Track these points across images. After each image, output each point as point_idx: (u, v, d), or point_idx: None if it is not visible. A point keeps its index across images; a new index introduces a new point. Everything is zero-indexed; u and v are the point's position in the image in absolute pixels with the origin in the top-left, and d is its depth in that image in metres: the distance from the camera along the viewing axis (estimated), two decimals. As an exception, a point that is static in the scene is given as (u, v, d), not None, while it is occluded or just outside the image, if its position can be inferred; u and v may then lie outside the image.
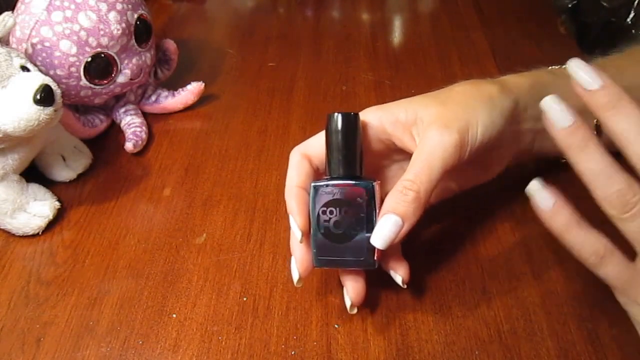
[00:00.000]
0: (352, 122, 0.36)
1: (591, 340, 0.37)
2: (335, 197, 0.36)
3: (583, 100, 0.31)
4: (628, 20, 0.66)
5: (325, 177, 0.37)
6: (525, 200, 0.46)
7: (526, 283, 0.41)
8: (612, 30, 0.68)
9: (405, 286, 0.39)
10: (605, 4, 0.68)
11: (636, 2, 0.66)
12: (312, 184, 0.36)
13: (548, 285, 0.40)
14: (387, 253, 0.39)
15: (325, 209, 0.36)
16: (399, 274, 0.38)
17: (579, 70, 0.32)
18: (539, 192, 0.33)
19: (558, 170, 0.48)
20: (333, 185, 0.36)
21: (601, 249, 0.30)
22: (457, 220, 0.46)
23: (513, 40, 0.67)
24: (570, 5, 0.72)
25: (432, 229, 0.45)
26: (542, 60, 0.47)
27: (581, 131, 0.31)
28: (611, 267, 0.30)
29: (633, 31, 0.66)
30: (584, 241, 0.31)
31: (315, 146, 0.39)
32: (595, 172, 0.30)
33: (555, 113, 0.32)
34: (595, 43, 0.69)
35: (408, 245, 0.43)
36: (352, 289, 0.38)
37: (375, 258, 0.36)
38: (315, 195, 0.36)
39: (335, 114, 0.36)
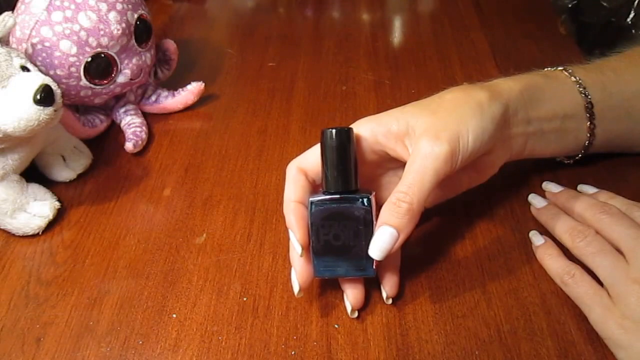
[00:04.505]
0: (345, 137, 0.37)
1: (591, 340, 0.37)
2: (333, 212, 0.37)
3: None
4: (628, 20, 0.66)
5: (323, 191, 0.38)
6: (525, 200, 0.46)
7: (526, 283, 0.41)
8: (612, 30, 0.68)
9: (389, 301, 0.40)
10: (605, 4, 0.68)
11: (636, 2, 0.66)
12: (310, 200, 0.37)
13: (548, 285, 0.40)
14: (383, 263, 0.39)
15: (324, 223, 0.37)
16: (385, 289, 0.40)
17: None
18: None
19: (557, 169, 0.49)
20: (330, 200, 0.37)
21: (587, 230, 0.39)
22: (457, 219, 0.46)
23: (513, 40, 0.67)
24: (570, 5, 0.72)
25: (432, 228, 0.45)
26: (542, 60, 0.47)
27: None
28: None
29: (633, 31, 0.66)
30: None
31: (310, 160, 0.39)
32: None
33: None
34: (595, 43, 0.70)
35: (408, 246, 0.43)
36: (352, 295, 0.39)
37: (374, 267, 0.38)
38: (313, 210, 0.37)
39: (329, 130, 0.37)
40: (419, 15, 0.76)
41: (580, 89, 0.43)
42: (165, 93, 0.59)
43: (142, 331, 0.40)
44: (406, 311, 0.40)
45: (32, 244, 0.47)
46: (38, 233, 0.47)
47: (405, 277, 0.41)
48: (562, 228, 0.41)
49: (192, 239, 0.46)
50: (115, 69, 0.52)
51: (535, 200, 0.45)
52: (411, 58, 0.66)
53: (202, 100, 0.60)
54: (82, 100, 0.53)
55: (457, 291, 0.40)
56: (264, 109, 0.59)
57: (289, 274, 0.39)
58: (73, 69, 0.49)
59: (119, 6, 0.50)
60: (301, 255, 0.37)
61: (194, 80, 0.59)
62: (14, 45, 0.49)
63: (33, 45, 0.48)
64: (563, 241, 0.40)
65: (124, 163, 0.54)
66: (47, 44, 0.48)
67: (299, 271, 0.38)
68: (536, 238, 0.42)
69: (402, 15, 0.76)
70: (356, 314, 0.39)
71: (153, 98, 0.59)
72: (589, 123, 0.43)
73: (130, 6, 0.52)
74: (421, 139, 0.37)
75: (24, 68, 0.44)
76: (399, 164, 0.40)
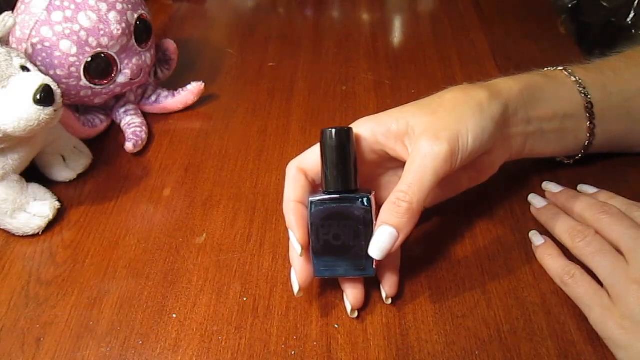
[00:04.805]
0: (345, 137, 0.37)
1: (591, 340, 0.37)
2: (333, 211, 0.37)
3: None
4: (628, 20, 0.66)
5: (322, 191, 0.38)
6: (525, 200, 0.46)
7: (526, 283, 0.41)
8: (612, 30, 0.68)
9: (389, 301, 0.40)
10: (605, 4, 0.68)
11: (636, 2, 0.66)
12: (310, 199, 0.37)
13: (548, 285, 0.40)
14: (383, 263, 0.39)
15: (324, 222, 0.37)
16: (384, 289, 0.40)
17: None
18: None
19: (557, 169, 0.49)
20: (330, 199, 0.37)
21: (587, 230, 0.39)
22: (457, 219, 0.46)
23: (513, 40, 0.67)
24: (570, 5, 0.72)
25: (432, 228, 0.45)
26: (542, 60, 0.47)
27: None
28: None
29: (633, 31, 0.66)
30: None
31: (310, 160, 0.39)
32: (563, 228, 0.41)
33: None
34: (595, 43, 0.70)
35: (408, 245, 0.43)
36: (352, 294, 0.39)
37: (374, 266, 0.38)
38: (313, 210, 0.37)
39: (329, 129, 0.37)
40: (419, 15, 0.76)
41: (580, 89, 0.43)
42: (165, 93, 0.59)
43: (142, 331, 0.40)
44: (406, 311, 0.40)
45: (32, 244, 0.47)
46: (38, 233, 0.47)
47: (405, 277, 0.41)
48: (562, 228, 0.41)
49: (192, 239, 0.46)
50: (115, 69, 0.52)
51: (535, 200, 0.45)
52: (411, 58, 0.66)
53: (202, 100, 0.60)
54: (82, 100, 0.53)
55: (457, 291, 0.40)
56: (264, 109, 0.59)
57: (289, 274, 0.39)
58: (73, 69, 0.49)
59: (119, 6, 0.50)
60: (301, 255, 0.37)
61: (194, 80, 0.59)
62: (14, 45, 0.49)
63: (33, 45, 0.48)
64: (563, 241, 0.40)
65: (124, 163, 0.54)
66: (47, 44, 0.48)
67: (299, 271, 0.38)
68: (536, 238, 0.42)
69: (402, 15, 0.76)
70: (356, 314, 0.39)
71: (153, 98, 0.59)
72: (588, 123, 0.43)
73: (130, 6, 0.52)
74: (421, 138, 0.37)
75: (24, 68, 0.44)
76: (399, 164, 0.40)
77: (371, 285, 0.40)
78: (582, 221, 0.40)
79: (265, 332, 0.39)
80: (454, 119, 0.37)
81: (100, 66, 0.51)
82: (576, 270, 0.38)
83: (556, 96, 0.43)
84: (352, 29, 0.73)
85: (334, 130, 0.37)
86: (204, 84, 0.59)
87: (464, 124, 0.37)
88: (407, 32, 0.72)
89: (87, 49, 0.49)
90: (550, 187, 0.46)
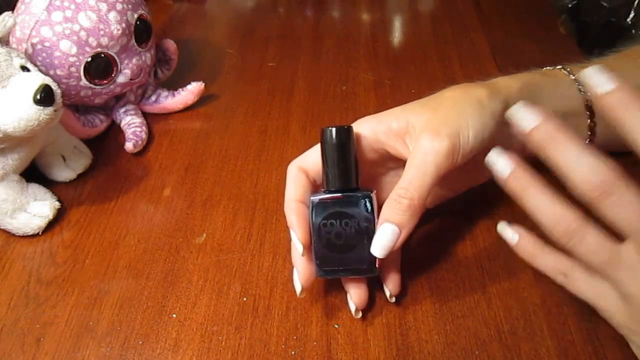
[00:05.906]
0: (346, 135, 0.37)
1: (591, 340, 0.37)
2: (334, 210, 0.37)
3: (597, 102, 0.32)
4: (628, 20, 0.66)
5: (324, 190, 0.38)
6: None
7: (526, 283, 0.41)
8: (612, 30, 0.68)
9: (393, 300, 0.40)
10: (605, 4, 0.68)
11: (636, 2, 0.66)
12: (311, 198, 0.37)
13: (548, 285, 0.40)
14: (384, 262, 0.39)
15: (325, 221, 0.37)
16: (388, 288, 0.39)
17: (593, 75, 0.33)
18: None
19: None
20: (331, 198, 0.37)
21: (572, 224, 0.31)
22: (457, 219, 0.46)
23: (513, 40, 0.67)
24: (570, 5, 0.72)
25: (431, 228, 0.45)
26: (542, 60, 0.47)
27: (548, 127, 0.32)
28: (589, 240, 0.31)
29: (633, 31, 0.66)
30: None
31: (311, 160, 0.39)
32: (570, 160, 0.31)
33: (521, 118, 0.33)
34: (595, 43, 0.69)
35: (408, 245, 0.43)
36: (355, 294, 0.39)
37: (377, 265, 0.37)
38: (315, 209, 0.37)
39: (329, 128, 0.37)
40: (419, 15, 0.76)
41: (580, 87, 0.43)
42: (165, 93, 0.59)
43: (142, 331, 0.40)
44: (406, 311, 0.40)
45: (32, 244, 0.47)
46: (38, 233, 0.47)
47: (406, 278, 0.41)
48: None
49: (192, 239, 0.46)
50: (115, 69, 0.52)
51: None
52: (411, 58, 0.66)
53: (202, 100, 0.60)
54: (82, 100, 0.53)
55: (457, 291, 0.40)
56: (264, 109, 0.59)
57: (289, 274, 0.39)
58: (73, 69, 0.49)
59: (119, 6, 0.50)
60: (302, 254, 0.37)
61: (194, 80, 0.59)
62: (14, 45, 0.49)
63: (33, 45, 0.48)
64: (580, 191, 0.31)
65: (124, 163, 0.54)
66: (47, 44, 0.48)
67: (301, 271, 0.38)
68: (507, 233, 0.36)
69: (402, 15, 0.76)
70: (360, 314, 0.39)
71: (153, 98, 0.59)
72: (589, 121, 0.43)
73: (130, 6, 0.52)
74: (421, 135, 0.37)
75: (24, 68, 0.44)
76: (400, 164, 0.40)
77: (371, 285, 0.40)
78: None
79: (265, 332, 0.39)
80: (455, 116, 0.37)
81: (100, 66, 0.51)
82: (568, 268, 0.34)
83: (556, 94, 0.43)
84: (352, 29, 0.73)
85: (334, 129, 0.37)
86: (204, 84, 0.59)
87: (464, 120, 0.37)
88: (407, 32, 0.72)
89: (87, 49, 0.49)
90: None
